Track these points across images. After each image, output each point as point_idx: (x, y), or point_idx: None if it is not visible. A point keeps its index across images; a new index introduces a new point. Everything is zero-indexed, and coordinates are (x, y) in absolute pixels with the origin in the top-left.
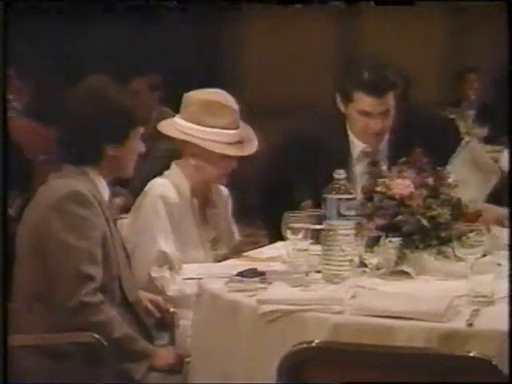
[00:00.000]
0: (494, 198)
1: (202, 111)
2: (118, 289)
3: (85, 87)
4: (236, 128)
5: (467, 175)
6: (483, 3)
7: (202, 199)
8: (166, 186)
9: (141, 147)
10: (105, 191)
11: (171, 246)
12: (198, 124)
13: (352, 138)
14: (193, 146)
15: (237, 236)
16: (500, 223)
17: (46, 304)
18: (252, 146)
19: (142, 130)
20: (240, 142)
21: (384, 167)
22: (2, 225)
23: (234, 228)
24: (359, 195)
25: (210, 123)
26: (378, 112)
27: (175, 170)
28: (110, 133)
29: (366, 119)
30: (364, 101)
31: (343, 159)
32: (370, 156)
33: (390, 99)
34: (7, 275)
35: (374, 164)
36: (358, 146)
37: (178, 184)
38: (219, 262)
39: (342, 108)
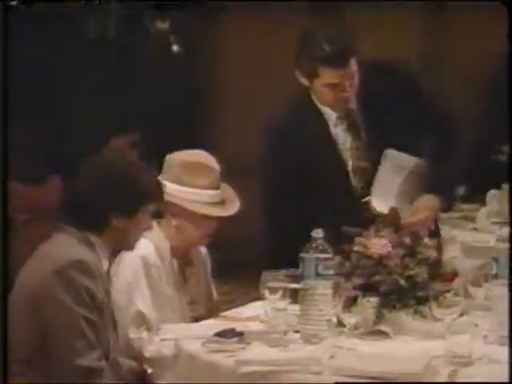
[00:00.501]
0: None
1: (184, 172)
2: (106, 353)
3: (105, 157)
4: (217, 188)
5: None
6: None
7: (182, 259)
8: (147, 247)
9: (148, 223)
10: (105, 261)
11: (149, 306)
12: (180, 185)
13: (322, 108)
14: (174, 206)
15: (215, 296)
16: (437, 212)
17: (40, 366)
18: (234, 207)
19: (152, 206)
20: (221, 203)
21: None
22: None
23: (213, 288)
24: (349, 162)
25: (192, 184)
26: (345, 81)
27: (156, 230)
28: (120, 205)
29: (335, 90)
30: (330, 74)
31: (323, 130)
32: (345, 119)
33: (354, 65)
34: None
35: (352, 125)
36: (331, 114)
37: (158, 245)
38: (197, 322)
39: (306, 83)
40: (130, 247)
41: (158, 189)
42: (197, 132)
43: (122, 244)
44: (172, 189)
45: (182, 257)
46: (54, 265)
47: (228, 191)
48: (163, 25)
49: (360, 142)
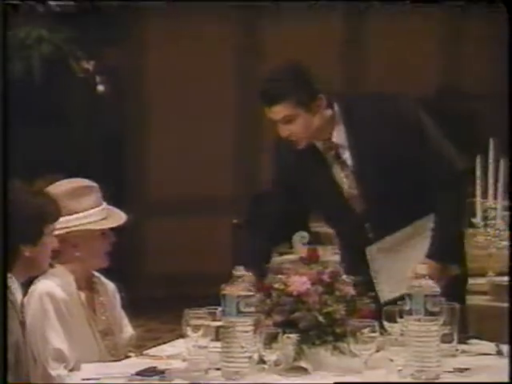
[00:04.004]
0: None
1: (70, 201)
2: None
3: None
4: (101, 204)
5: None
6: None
7: (88, 290)
8: (51, 284)
9: (54, 242)
10: (18, 293)
11: (64, 342)
12: (71, 214)
13: None
14: (73, 237)
15: (129, 328)
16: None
17: None
18: (121, 216)
19: (54, 225)
20: (109, 216)
21: (346, 156)
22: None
23: (125, 319)
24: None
25: (81, 208)
26: (278, 120)
27: (58, 266)
28: (24, 235)
29: (279, 126)
30: (267, 109)
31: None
32: (329, 150)
33: (287, 108)
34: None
35: (337, 157)
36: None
37: (62, 279)
38: (113, 352)
39: None
40: (42, 271)
41: (54, 206)
42: (122, 172)
43: (34, 271)
44: (63, 222)
45: (88, 287)
46: None
47: (108, 207)
48: (88, 65)
49: (348, 172)
